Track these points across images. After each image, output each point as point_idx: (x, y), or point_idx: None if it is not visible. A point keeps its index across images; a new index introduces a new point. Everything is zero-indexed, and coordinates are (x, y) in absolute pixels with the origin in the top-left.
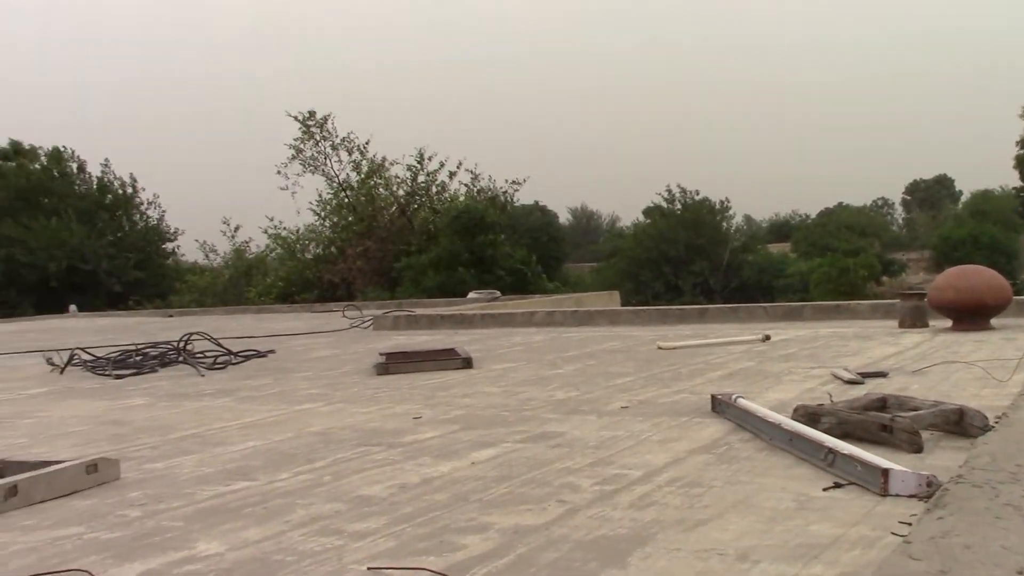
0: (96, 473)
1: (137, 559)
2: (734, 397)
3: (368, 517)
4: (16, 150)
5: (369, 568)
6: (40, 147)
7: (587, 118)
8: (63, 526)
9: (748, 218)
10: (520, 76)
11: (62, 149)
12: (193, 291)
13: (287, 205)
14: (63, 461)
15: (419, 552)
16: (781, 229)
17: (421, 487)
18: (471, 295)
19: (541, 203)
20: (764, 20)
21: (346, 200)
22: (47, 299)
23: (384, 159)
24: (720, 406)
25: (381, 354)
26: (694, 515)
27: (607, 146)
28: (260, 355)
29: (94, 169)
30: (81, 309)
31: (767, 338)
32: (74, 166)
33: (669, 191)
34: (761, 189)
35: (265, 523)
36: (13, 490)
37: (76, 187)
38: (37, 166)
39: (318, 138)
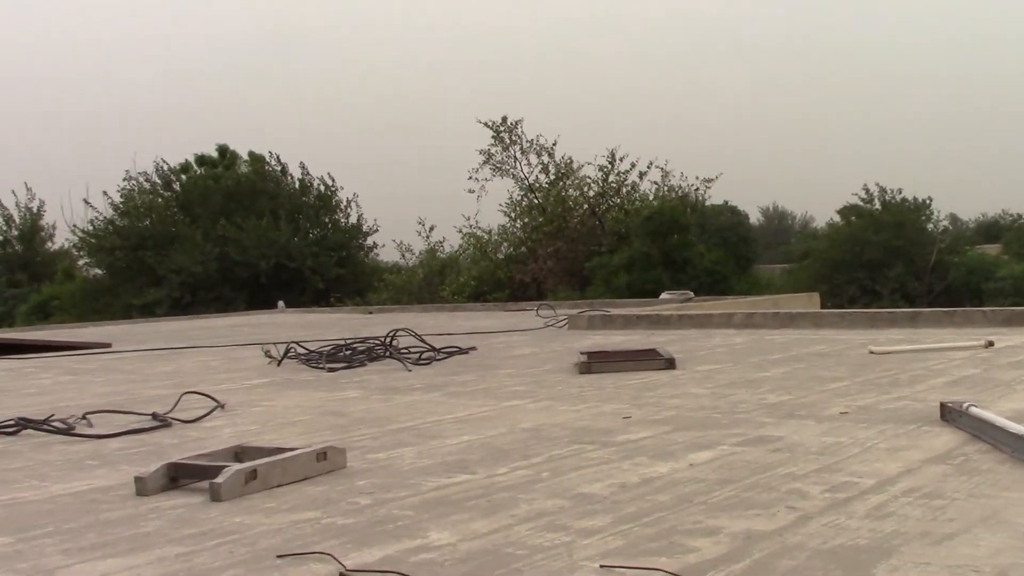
0: (325, 461)
1: (375, 544)
2: (966, 405)
3: (592, 515)
4: (223, 154)
5: (601, 566)
6: (234, 149)
7: (781, 114)
8: (300, 510)
9: (953, 217)
10: (710, 72)
11: (269, 153)
12: (390, 289)
13: (474, 205)
14: (295, 448)
15: (649, 552)
16: (989, 230)
17: (641, 487)
18: (664, 295)
19: (731, 203)
20: (968, 14)
21: (535, 202)
22: (258, 295)
23: (571, 159)
24: (950, 414)
25: (582, 353)
26: (939, 528)
27: (801, 143)
28: (463, 352)
29: (294, 171)
30: (288, 305)
31: (990, 344)
32: (278, 169)
33: (867, 190)
34: (966, 188)
35: (491, 516)
36: (253, 474)
37: (284, 188)
38: (244, 168)
39: (508, 143)
